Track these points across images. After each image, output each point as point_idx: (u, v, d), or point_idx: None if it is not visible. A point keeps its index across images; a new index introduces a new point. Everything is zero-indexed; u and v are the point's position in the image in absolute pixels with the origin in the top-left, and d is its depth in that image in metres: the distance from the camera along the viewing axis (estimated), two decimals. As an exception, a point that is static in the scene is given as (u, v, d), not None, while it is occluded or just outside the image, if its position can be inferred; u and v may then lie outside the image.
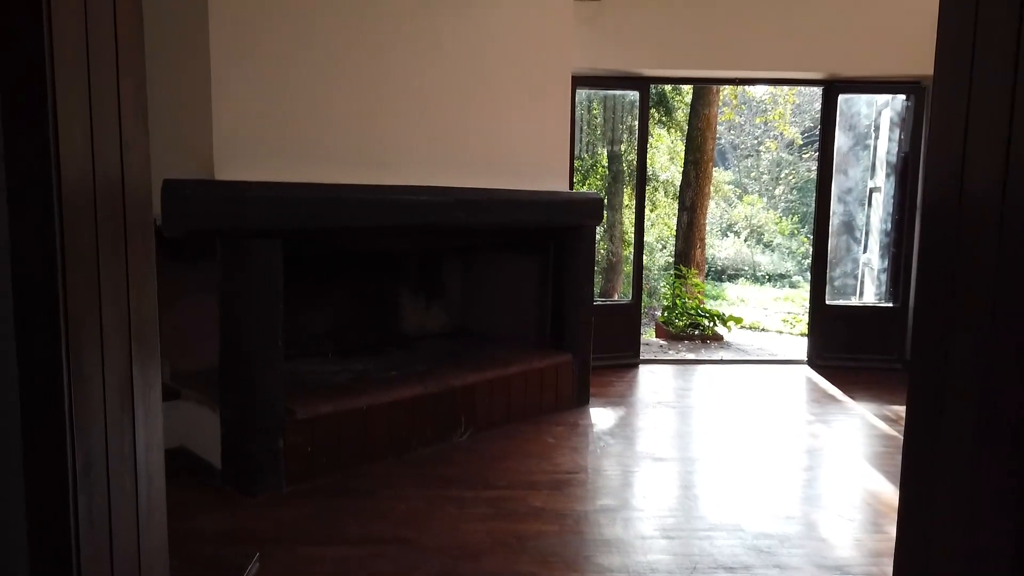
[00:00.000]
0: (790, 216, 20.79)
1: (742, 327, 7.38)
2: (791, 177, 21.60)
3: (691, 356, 6.05)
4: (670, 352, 6.22)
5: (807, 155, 22.44)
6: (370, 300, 4.54)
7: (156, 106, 3.84)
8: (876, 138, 6.01)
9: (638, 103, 5.53)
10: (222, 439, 3.19)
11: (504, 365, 4.11)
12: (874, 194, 6.02)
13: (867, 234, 6.21)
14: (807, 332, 5.79)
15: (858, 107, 6.19)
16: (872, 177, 6.06)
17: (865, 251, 6.34)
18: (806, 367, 5.70)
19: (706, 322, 6.96)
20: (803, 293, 16.33)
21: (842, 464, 3.67)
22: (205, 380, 3.49)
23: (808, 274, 19.31)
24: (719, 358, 5.95)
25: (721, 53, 5.29)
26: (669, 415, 4.44)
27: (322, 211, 3.18)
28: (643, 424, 4.28)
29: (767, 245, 20.83)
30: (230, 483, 3.18)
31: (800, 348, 6.45)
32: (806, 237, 19.98)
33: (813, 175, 21.81)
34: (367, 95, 3.50)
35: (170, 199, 2.89)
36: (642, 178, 5.55)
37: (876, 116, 6.02)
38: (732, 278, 18.81)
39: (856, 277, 6.31)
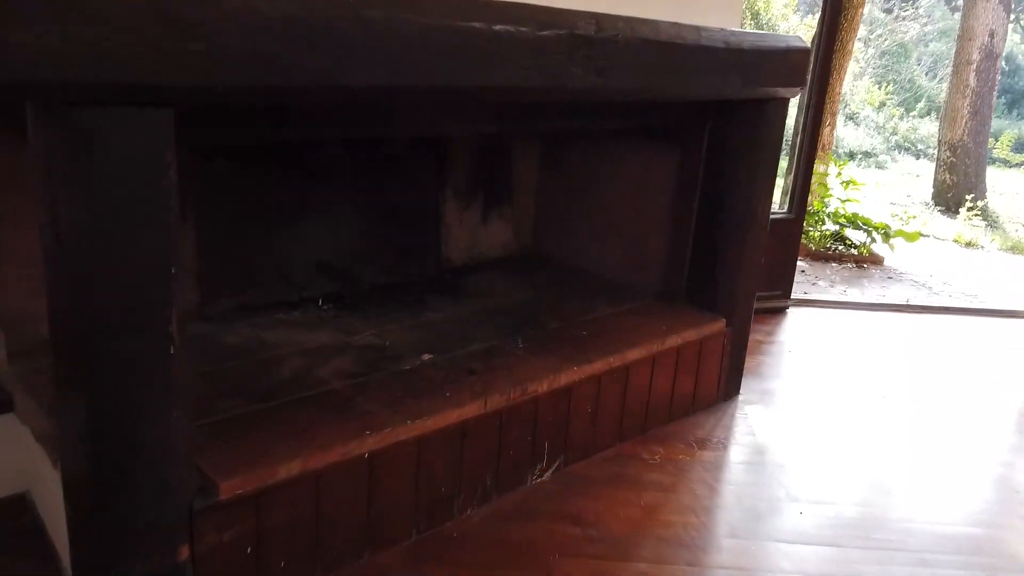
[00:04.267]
0: (883, 85, 18.06)
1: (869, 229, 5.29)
2: (883, 39, 18.73)
3: (857, 296, 4.19)
4: (820, 283, 4.38)
5: (907, 13, 19.35)
6: (392, 211, 2.74)
7: None
8: None
9: None
10: (68, 528, 1.52)
11: (616, 346, 2.34)
12: None
13: None
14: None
15: None
16: None
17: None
18: (1037, 324, 3.84)
19: (861, 236, 5.04)
20: (894, 177, 13.96)
21: None
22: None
23: (899, 154, 16.65)
24: (904, 301, 4.09)
25: None
26: (886, 429, 2.68)
27: (280, 52, 1.32)
28: (848, 449, 2.52)
29: (850, 118, 18.22)
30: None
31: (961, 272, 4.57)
32: (896, 109, 17.42)
33: (907, 39, 18.76)
34: None
35: None
36: (833, 22, 3.46)
37: None
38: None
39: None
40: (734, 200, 2.56)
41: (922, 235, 5.25)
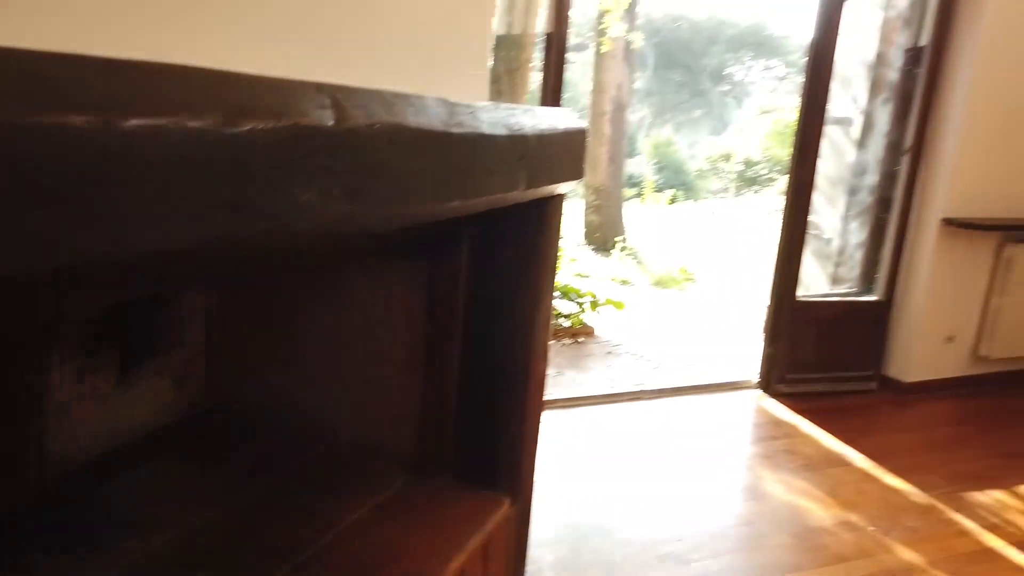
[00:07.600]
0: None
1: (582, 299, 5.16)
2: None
3: (587, 382, 3.78)
4: (548, 370, 3.90)
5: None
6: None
7: None
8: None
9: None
10: None
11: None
12: (839, 129, 4.16)
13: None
14: (766, 341, 3.84)
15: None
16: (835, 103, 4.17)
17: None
18: (758, 393, 3.79)
19: (569, 306, 4.74)
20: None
21: None
22: None
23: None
24: (636, 387, 3.76)
25: None
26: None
27: None
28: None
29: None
30: None
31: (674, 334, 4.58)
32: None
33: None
34: None
35: None
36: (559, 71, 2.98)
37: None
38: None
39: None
40: (514, 331, 1.84)
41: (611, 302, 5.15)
